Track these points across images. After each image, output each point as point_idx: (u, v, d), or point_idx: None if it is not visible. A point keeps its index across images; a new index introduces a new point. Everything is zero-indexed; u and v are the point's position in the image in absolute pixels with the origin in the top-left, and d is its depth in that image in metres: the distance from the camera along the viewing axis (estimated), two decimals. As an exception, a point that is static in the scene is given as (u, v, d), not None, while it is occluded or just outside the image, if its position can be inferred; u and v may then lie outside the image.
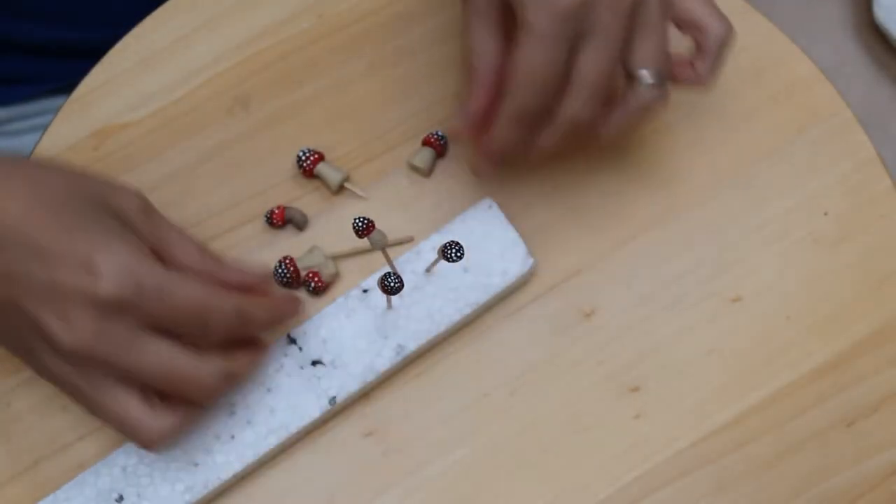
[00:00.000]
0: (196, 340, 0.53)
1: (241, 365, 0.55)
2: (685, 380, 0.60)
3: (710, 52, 0.57)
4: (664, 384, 0.60)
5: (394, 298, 0.59)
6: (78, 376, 0.51)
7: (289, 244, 0.62)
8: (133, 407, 0.52)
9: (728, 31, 0.57)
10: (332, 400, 0.58)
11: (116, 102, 0.64)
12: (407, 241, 0.62)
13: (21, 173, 0.53)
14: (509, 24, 0.55)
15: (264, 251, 0.62)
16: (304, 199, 0.63)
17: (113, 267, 0.49)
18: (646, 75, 0.55)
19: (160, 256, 0.54)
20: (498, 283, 0.60)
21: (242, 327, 0.55)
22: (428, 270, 0.59)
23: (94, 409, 0.53)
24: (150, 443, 0.53)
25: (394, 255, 0.58)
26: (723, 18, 0.57)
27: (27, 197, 0.51)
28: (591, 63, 0.54)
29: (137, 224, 0.54)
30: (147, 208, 0.55)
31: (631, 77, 0.56)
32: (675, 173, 0.63)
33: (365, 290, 0.60)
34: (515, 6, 0.53)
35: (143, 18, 0.65)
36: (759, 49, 0.65)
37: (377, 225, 0.53)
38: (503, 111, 0.55)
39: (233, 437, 0.58)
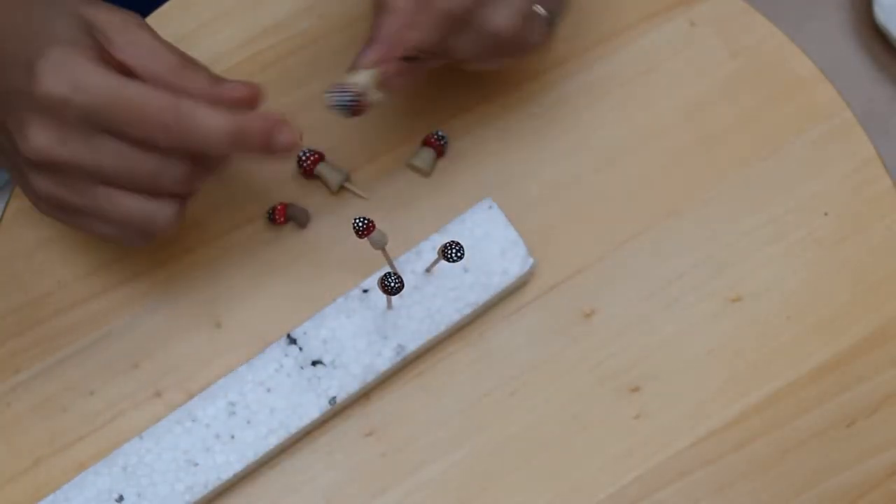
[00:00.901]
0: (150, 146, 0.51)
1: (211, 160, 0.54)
2: (685, 380, 0.60)
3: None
4: (664, 384, 0.60)
5: (394, 298, 0.59)
6: (63, 189, 0.52)
7: (290, 243, 0.62)
8: (130, 199, 0.52)
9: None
10: (332, 400, 0.58)
11: (116, 102, 0.64)
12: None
13: None
14: None
15: (265, 251, 0.62)
16: (304, 199, 0.63)
17: (48, 67, 0.50)
18: (539, 9, 0.56)
19: (136, 73, 0.52)
20: (498, 283, 0.60)
21: (182, 131, 0.51)
22: (428, 270, 0.59)
23: (95, 213, 0.52)
24: (165, 224, 0.53)
25: (394, 254, 0.58)
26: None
27: (5, 14, 0.53)
28: None
29: (112, 38, 0.53)
30: (129, 24, 0.53)
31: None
32: (674, 173, 0.63)
33: (365, 290, 0.60)
34: None
35: (143, 19, 0.65)
36: (759, 49, 0.65)
37: (377, 225, 0.53)
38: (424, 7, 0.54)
39: (233, 437, 0.58)
